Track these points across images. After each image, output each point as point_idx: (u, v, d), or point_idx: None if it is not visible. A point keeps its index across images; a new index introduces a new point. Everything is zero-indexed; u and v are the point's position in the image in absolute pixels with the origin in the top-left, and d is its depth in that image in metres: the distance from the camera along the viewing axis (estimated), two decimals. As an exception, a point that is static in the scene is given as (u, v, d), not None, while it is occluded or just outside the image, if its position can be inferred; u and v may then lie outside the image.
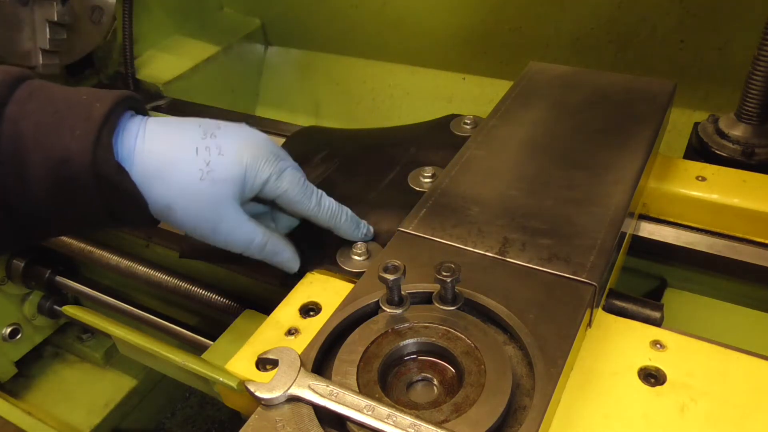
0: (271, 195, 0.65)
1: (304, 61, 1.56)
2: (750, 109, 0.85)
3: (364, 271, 0.65)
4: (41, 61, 1.14)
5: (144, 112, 0.63)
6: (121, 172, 0.57)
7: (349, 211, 0.71)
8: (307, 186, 0.67)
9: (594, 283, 0.57)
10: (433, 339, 0.53)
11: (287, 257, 0.68)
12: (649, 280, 0.86)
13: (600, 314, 0.62)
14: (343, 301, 0.58)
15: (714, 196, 0.76)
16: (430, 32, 1.35)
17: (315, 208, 0.68)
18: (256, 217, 0.68)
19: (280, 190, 0.65)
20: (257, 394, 0.48)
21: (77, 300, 1.34)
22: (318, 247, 0.72)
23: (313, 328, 0.59)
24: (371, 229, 0.73)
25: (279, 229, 0.73)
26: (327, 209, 0.68)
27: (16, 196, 0.56)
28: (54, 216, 0.59)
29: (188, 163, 0.60)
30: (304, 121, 1.25)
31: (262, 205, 0.71)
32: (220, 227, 0.62)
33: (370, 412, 0.46)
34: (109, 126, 0.56)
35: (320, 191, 0.69)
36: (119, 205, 0.59)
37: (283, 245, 0.68)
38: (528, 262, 0.60)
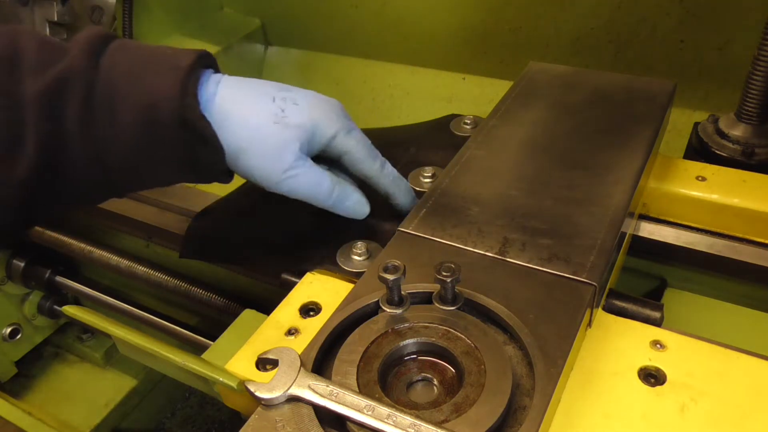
0: (337, 150, 0.67)
1: (304, 61, 1.56)
2: (750, 109, 0.85)
3: (364, 271, 0.65)
4: (41, 61, 1.14)
5: (219, 70, 0.66)
6: (203, 118, 0.60)
7: (408, 184, 0.74)
8: (372, 148, 0.70)
9: (594, 283, 0.57)
10: (433, 339, 0.53)
11: (356, 200, 0.70)
12: (649, 280, 0.86)
13: (600, 314, 0.62)
14: (343, 301, 0.58)
15: (714, 196, 0.76)
16: (430, 32, 1.35)
17: (378, 169, 0.70)
18: None
19: (348, 147, 0.67)
20: (257, 394, 0.48)
21: (77, 300, 1.34)
22: (318, 247, 0.72)
23: (313, 328, 0.59)
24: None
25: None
26: (390, 173, 0.71)
27: (107, 143, 0.59)
28: (140, 163, 0.61)
29: (264, 108, 0.63)
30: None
31: (325, 165, 0.72)
32: (288, 171, 0.64)
33: (370, 412, 0.46)
34: (194, 75, 0.60)
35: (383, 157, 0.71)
36: (199, 152, 0.62)
37: (351, 190, 0.69)
38: (528, 262, 0.60)
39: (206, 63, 0.63)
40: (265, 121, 0.63)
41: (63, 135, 0.58)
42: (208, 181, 0.67)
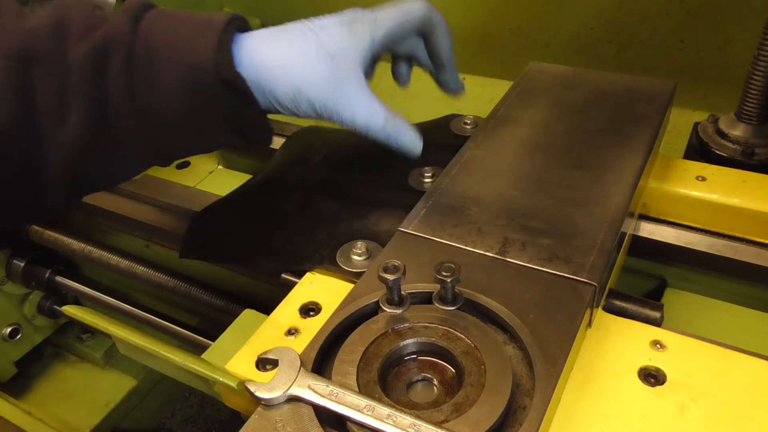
0: (390, 35, 0.68)
1: (304, 61, 1.56)
2: (750, 109, 0.85)
3: (364, 271, 0.65)
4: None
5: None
6: (238, 75, 0.61)
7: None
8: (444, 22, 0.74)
9: (594, 283, 0.57)
10: (433, 339, 0.53)
11: (410, 137, 0.69)
12: (649, 280, 0.86)
13: (600, 314, 0.62)
14: (343, 301, 0.58)
15: (714, 196, 0.76)
16: (430, 32, 1.34)
17: (421, 15, 0.71)
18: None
19: (392, 25, 0.68)
20: (257, 394, 0.48)
21: (77, 300, 1.34)
22: (318, 247, 0.72)
23: (313, 328, 0.59)
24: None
25: (402, 81, 0.81)
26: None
27: (148, 106, 0.61)
28: (185, 123, 0.63)
29: (303, 44, 0.64)
30: (304, 121, 1.25)
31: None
32: (345, 101, 0.64)
33: (370, 412, 0.46)
34: (227, 35, 0.61)
35: None
36: (240, 111, 0.63)
37: (405, 125, 0.69)
38: (528, 262, 0.60)
39: (240, 25, 0.65)
40: (310, 59, 0.63)
41: (106, 98, 0.59)
42: (251, 143, 0.68)
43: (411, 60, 0.80)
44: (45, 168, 0.59)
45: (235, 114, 0.64)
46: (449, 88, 0.80)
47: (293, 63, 0.63)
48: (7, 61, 0.56)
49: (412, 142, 0.69)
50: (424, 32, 0.74)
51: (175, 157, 0.69)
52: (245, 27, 0.66)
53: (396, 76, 0.81)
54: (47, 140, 0.58)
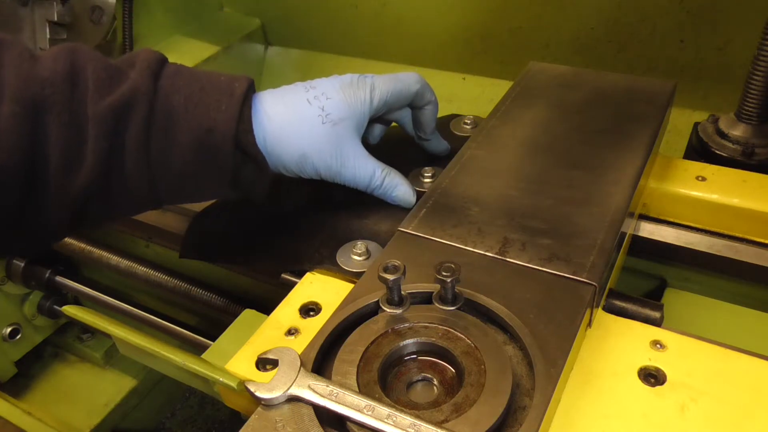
0: (384, 104, 0.73)
1: (304, 61, 1.56)
2: (750, 109, 0.85)
3: (364, 271, 0.65)
4: (41, 61, 1.14)
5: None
6: (255, 144, 0.65)
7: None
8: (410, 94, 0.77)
9: (594, 283, 0.57)
10: (433, 339, 0.53)
11: (404, 190, 0.75)
12: (649, 280, 0.86)
13: (600, 314, 0.62)
14: (343, 301, 0.58)
15: (714, 196, 0.76)
16: (430, 32, 1.34)
17: (416, 89, 0.76)
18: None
19: (388, 94, 0.73)
20: (257, 394, 0.48)
21: (77, 300, 1.34)
22: (318, 247, 0.72)
23: (313, 328, 0.59)
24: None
25: (371, 139, 0.84)
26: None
27: (161, 162, 0.63)
28: (189, 181, 0.65)
29: (308, 113, 0.68)
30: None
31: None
32: (346, 164, 0.70)
33: (370, 412, 0.46)
34: (247, 104, 0.65)
35: None
36: (247, 173, 0.67)
37: (399, 179, 0.75)
38: (528, 262, 0.60)
39: (254, 89, 0.68)
40: (315, 126, 0.68)
41: (121, 153, 0.61)
42: (245, 198, 0.71)
43: (389, 123, 0.85)
44: (48, 211, 0.60)
45: (239, 174, 0.66)
46: (434, 151, 0.85)
47: (301, 132, 0.67)
48: (20, 108, 0.56)
49: (406, 195, 0.75)
50: (414, 105, 0.79)
51: (172, 204, 0.71)
52: (255, 89, 0.69)
53: (368, 133, 0.83)
54: (54, 188, 0.59)
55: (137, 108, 0.60)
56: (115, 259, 1.10)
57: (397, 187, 0.74)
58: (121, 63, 0.63)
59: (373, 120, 0.79)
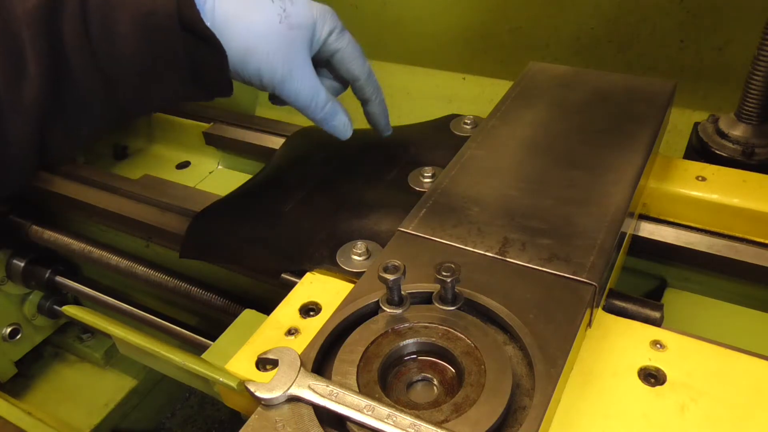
0: (331, 49, 0.69)
1: (304, 61, 1.56)
2: (750, 109, 0.85)
3: (364, 271, 0.65)
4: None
5: None
6: (202, 21, 0.60)
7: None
8: (362, 51, 0.72)
9: (594, 283, 0.57)
10: (433, 339, 0.53)
11: (343, 121, 0.73)
12: (649, 280, 0.86)
13: (600, 314, 0.62)
14: (343, 301, 0.58)
15: (714, 196, 0.76)
16: (430, 32, 1.34)
17: (368, 71, 0.72)
18: None
19: (342, 44, 0.69)
20: (257, 394, 0.48)
21: (77, 300, 1.34)
22: (318, 247, 0.72)
23: (313, 328, 0.59)
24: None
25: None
26: (375, 81, 0.74)
27: (106, 56, 0.58)
28: (143, 74, 0.61)
29: (267, 8, 0.63)
30: (304, 121, 1.25)
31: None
32: (293, 74, 0.66)
33: (370, 412, 0.46)
34: None
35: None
36: (202, 56, 0.61)
37: (341, 109, 0.72)
38: (528, 262, 0.60)
39: None
40: (270, 22, 0.63)
41: (63, 51, 0.57)
42: (211, 94, 0.67)
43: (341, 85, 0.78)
44: (7, 133, 0.56)
45: (196, 62, 0.62)
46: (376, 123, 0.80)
47: (253, 22, 0.63)
48: None
49: (344, 126, 0.73)
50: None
51: (137, 111, 0.67)
52: None
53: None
54: (6, 103, 0.55)
55: (68, 2, 0.56)
56: (115, 259, 1.10)
57: (337, 115, 0.72)
58: None
59: (321, 65, 0.74)
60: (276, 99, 0.72)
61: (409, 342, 0.53)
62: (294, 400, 0.48)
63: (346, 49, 0.70)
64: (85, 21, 0.57)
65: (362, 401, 0.47)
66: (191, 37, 0.60)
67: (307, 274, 0.69)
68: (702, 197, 0.77)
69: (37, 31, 0.55)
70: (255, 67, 0.64)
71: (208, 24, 0.60)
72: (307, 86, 0.67)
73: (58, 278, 1.27)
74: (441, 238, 0.64)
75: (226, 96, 0.67)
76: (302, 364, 0.50)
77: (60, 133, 0.60)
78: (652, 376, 0.55)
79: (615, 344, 0.58)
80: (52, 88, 0.57)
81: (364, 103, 0.77)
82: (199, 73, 0.63)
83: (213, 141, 1.21)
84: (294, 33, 0.65)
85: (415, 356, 0.53)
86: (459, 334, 0.52)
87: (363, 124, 0.80)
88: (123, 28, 0.58)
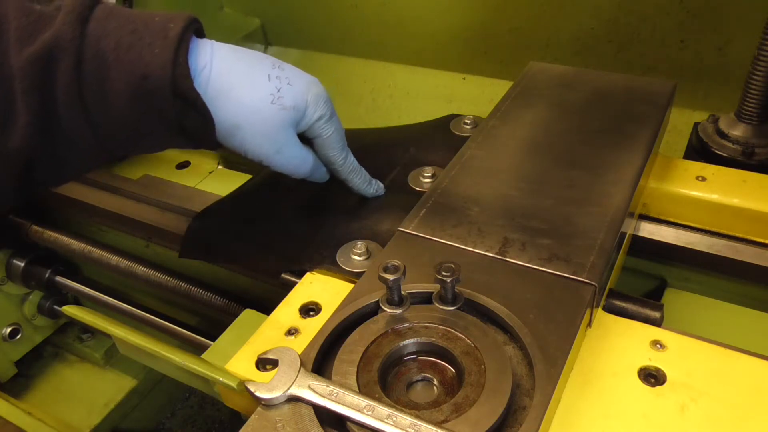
0: (316, 133, 0.71)
1: (304, 61, 1.56)
2: (750, 109, 0.85)
3: (364, 271, 0.65)
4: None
5: (204, 36, 0.67)
6: (194, 90, 0.61)
7: (365, 172, 0.79)
8: (344, 137, 0.74)
9: (594, 283, 0.57)
10: (433, 339, 0.53)
11: (322, 173, 0.77)
12: (649, 280, 0.86)
13: (600, 314, 0.62)
14: (343, 301, 0.58)
15: (714, 196, 0.76)
16: (430, 32, 1.35)
17: (343, 159, 0.75)
18: None
19: (326, 132, 0.71)
20: (257, 394, 0.48)
21: (77, 300, 1.34)
22: (318, 247, 0.72)
23: (313, 328, 0.59)
24: (381, 185, 0.81)
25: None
26: (350, 163, 0.77)
27: (98, 111, 0.60)
28: (132, 130, 0.62)
29: (261, 86, 0.65)
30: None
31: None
32: (282, 149, 0.69)
33: (370, 412, 0.46)
34: (184, 46, 0.60)
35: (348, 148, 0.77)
36: (191, 121, 0.63)
37: (324, 170, 0.77)
38: (528, 262, 0.60)
39: (194, 28, 0.63)
40: (261, 101, 0.65)
41: (54, 106, 0.58)
42: (197, 147, 0.68)
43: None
44: None
45: (184, 125, 0.63)
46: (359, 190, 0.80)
47: (245, 98, 0.64)
48: None
49: (323, 177, 0.77)
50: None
51: (122, 155, 0.69)
52: (200, 29, 0.65)
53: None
54: None
55: (62, 57, 0.56)
56: (115, 259, 1.10)
57: (319, 170, 0.75)
58: (49, 7, 0.59)
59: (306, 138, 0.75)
60: None
61: (409, 342, 0.53)
62: (294, 400, 0.48)
63: (330, 137, 0.72)
64: (79, 78, 0.58)
65: (362, 401, 0.47)
66: (182, 102, 0.61)
67: (307, 274, 0.69)
68: (702, 197, 0.77)
69: (30, 83, 0.56)
70: (240, 143, 0.67)
71: (200, 92, 0.61)
72: (293, 158, 0.71)
73: (58, 278, 1.27)
74: (441, 238, 0.64)
75: (213, 150, 0.70)
76: (302, 364, 0.50)
77: (47, 177, 0.62)
78: (652, 376, 0.55)
79: (615, 344, 0.58)
80: (41, 137, 0.58)
81: (343, 181, 0.79)
82: (187, 131, 0.64)
83: (213, 141, 1.21)
84: (284, 114, 0.66)
85: (415, 356, 0.53)
86: (459, 334, 0.52)
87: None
88: (116, 86, 0.59)
